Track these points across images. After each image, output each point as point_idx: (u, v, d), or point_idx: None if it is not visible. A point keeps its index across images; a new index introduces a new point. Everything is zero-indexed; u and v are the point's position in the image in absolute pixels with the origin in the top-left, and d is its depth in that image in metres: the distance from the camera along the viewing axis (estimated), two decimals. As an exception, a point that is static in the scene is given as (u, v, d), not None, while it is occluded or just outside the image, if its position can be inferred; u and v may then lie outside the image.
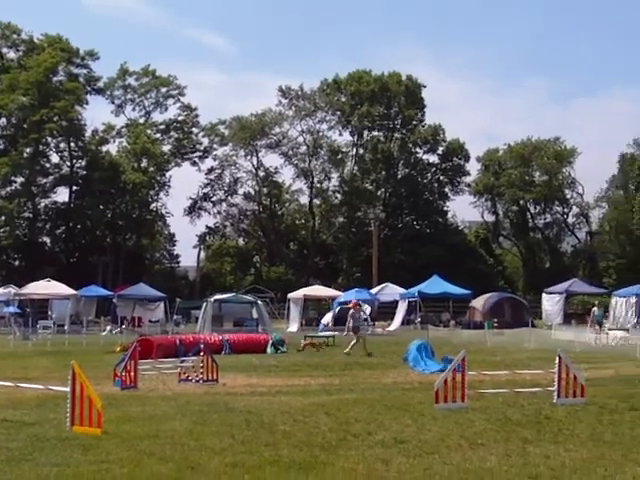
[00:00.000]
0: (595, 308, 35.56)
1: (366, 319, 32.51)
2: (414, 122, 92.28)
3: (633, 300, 50.93)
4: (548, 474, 9.10)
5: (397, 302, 54.34)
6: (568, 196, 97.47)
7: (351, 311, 31.38)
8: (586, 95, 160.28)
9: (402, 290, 55.88)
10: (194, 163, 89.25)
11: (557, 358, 15.07)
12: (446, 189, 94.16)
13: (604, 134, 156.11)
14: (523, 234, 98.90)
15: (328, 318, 48.88)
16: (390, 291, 57.96)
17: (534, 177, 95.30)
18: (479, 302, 53.18)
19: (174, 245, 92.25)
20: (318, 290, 58.20)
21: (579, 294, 63.88)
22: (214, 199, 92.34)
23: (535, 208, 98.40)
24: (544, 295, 59.56)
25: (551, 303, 57.84)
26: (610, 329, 34.35)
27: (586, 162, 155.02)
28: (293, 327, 50.00)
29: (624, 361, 25.24)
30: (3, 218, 76.64)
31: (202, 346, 19.76)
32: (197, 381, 18.66)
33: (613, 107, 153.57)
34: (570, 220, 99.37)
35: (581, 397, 14.95)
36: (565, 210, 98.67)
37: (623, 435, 11.59)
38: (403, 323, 51.92)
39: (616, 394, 16.28)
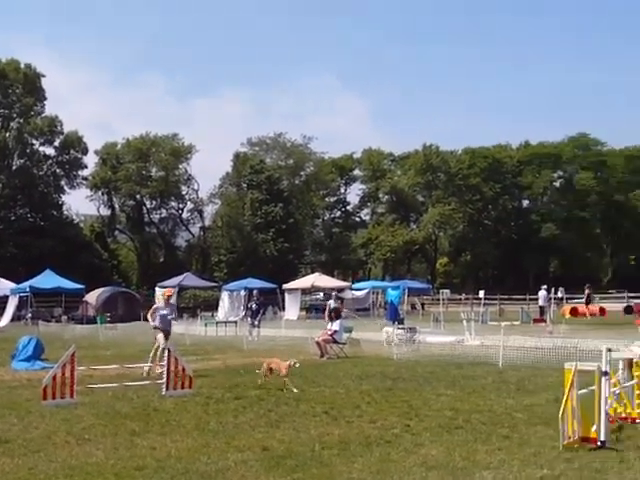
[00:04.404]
0: (331, 301, 35.80)
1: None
2: (32, 112, 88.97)
3: (242, 293, 53.51)
4: (154, 465, 9.34)
5: (8, 297, 52.45)
6: (184, 192, 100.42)
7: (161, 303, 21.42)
8: (204, 94, 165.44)
9: (13, 285, 54.07)
10: None
11: (166, 351, 15.44)
12: (62, 182, 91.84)
13: (220, 133, 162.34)
14: (139, 228, 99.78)
15: None
16: (1, 286, 55.73)
17: (151, 172, 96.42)
18: (92, 296, 52.89)
19: None
20: None
21: (191, 288, 65.78)
22: None
23: (151, 203, 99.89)
24: (157, 289, 60.46)
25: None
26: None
27: (202, 159, 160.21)
28: None
29: (231, 352, 26.35)
30: None
31: None
32: None
33: (229, 107, 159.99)
34: (185, 215, 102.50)
35: (189, 388, 15.47)
36: (180, 205, 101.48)
37: (227, 423, 12.19)
38: (13, 319, 50.25)
39: (222, 384, 17.03)
